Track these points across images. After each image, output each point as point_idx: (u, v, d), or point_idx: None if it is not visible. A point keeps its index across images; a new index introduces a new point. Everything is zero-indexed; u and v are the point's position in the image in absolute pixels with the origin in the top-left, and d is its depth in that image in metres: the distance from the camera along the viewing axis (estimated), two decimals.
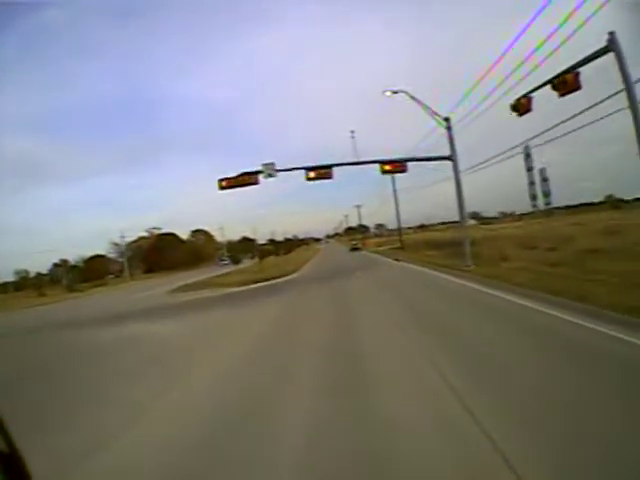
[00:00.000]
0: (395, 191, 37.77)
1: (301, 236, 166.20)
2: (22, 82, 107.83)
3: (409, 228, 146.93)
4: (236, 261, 30.41)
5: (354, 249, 56.87)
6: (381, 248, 50.65)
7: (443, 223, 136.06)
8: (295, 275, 23.95)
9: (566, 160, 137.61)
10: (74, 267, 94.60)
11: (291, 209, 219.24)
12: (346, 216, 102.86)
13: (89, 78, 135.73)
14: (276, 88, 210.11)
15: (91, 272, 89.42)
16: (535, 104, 11.91)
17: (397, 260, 26.03)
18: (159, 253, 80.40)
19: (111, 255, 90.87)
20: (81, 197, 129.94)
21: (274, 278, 22.47)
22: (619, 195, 79.72)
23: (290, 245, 74.86)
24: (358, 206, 71.90)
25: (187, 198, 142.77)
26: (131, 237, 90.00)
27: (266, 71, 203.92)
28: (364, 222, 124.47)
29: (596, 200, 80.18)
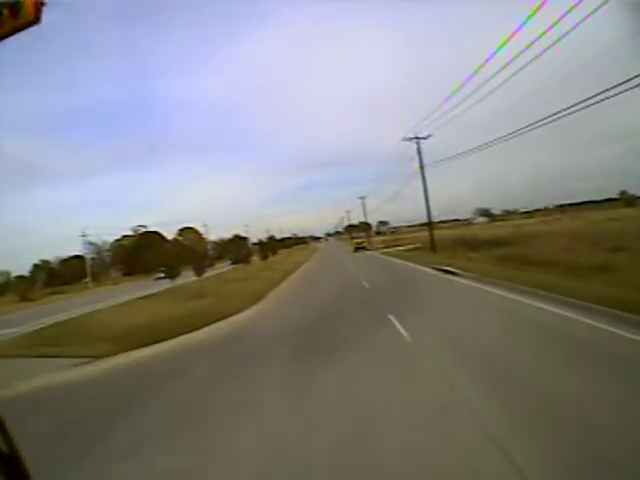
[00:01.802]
0: (422, 166, 24.95)
1: (301, 234, 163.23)
2: (22, 82, 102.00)
3: (410, 226, 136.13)
4: (173, 275, 17.59)
5: (359, 249, 44.80)
6: (394, 248, 37.91)
7: (443, 222, 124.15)
8: (251, 314, 10.95)
9: (558, 160, 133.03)
10: (51, 269, 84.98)
11: (292, 208, 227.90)
12: (348, 211, 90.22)
13: (88, 78, 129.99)
14: (275, 88, 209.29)
15: (67, 274, 78.65)
16: None
17: (450, 272, 13.78)
18: (140, 254, 68.19)
19: (90, 256, 79.57)
20: (81, 196, 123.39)
21: (203, 325, 9.75)
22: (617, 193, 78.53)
23: (274, 245, 58.99)
24: (362, 197, 58.61)
25: (187, 197, 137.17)
26: (116, 236, 79.67)
27: (265, 71, 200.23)
28: (358, 221, 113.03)
29: (598, 198, 78.35)
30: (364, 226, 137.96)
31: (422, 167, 25.44)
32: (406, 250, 32.75)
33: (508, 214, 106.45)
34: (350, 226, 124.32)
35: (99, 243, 72.46)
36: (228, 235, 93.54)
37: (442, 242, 28.29)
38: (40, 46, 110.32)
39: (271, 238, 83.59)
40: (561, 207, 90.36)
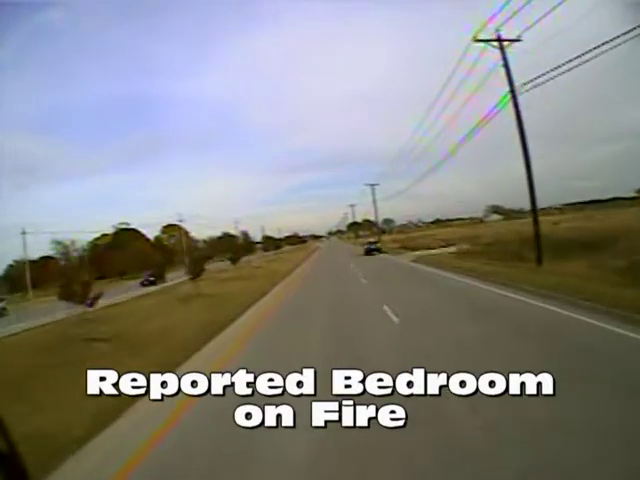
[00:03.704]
0: (512, 85, 13.84)
1: (302, 234, 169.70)
2: (23, 82, 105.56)
3: (419, 225, 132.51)
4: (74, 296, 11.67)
5: (372, 251, 34.74)
6: (422, 252, 29.07)
7: (452, 220, 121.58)
8: None
9: (561, 159, 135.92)
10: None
11: (293, 208, 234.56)
12: (352, 205, 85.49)
13: (87, 77, 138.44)
14: (276, 87, 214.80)
15: (35, 277, 74.57)
16: None
17: None
18: (112, 255, 63.76)
19: (57, 257, 75.29)
20: (81, 196, 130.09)
21: None
22: (619, 193, 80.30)
23: (238, 248, 40.96)
24: (372, 185, 49.34)
25: (187, 196, 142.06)
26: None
27: (265, 71, 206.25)
28: (362, 219, 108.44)
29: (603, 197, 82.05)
30: (369, 224, 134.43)
31: (512, 86, 14.03)
32: (453, 255, 22.43)
33: (514, 212, 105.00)
34: (354, 224, 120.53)
35: (66, 242, 67.06)
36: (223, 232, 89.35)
37: (502, 243, 20.43)
38: (42, 46, 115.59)
39: (246, 236, 70.33)
40: (571, 205, 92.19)
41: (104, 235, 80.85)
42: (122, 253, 60.08)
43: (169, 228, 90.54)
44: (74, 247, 72.83)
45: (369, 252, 34.68)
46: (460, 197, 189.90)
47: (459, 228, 73.33)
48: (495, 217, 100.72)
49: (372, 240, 40.77)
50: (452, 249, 27.10)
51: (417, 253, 28.84)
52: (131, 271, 58.49)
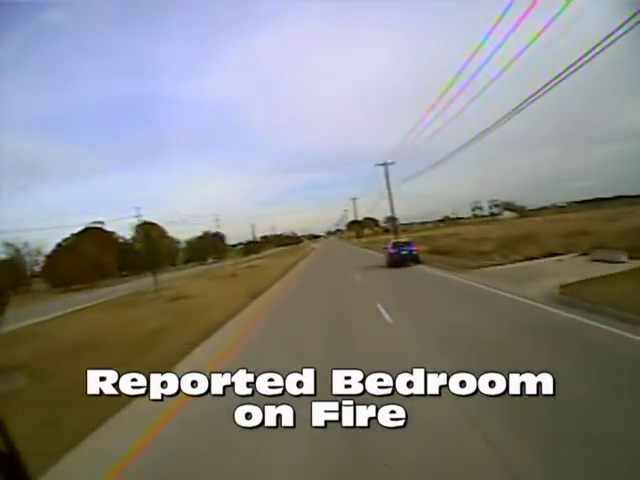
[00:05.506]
0: None
1: (300, 233, 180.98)
2: (23, 82, 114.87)
3: (424, 223, 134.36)
4: None
5: (402, 260, 22.66)
6: (507, 264, 16.76)
7: (461, 218, 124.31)
8: None
9: (562, 160, 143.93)
10: None
11: (292, 207, 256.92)
12: (354, 199, 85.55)
13: (89, 78, 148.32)
14: (276, 88, 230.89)
15: None
16: None
17: None
18: (74, 258, 62.95)
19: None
20: (81, 196, 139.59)
21: None
22: (621, 192, 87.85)
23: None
24: (386, 164, 42.52)
25: (187, 196, 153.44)
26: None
27: (266, 70, 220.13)
28: (362, 217, 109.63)
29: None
30: (371, 222, 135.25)
31: None
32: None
33: (518, 210, 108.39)
34: (354, 222, 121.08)
35: (18, 245, 64.44)
36: (232, 235, 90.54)
37: None
38: (42, 46, 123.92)
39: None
40: (577, 204, 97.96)
41: (74, 235, 79.38)
42: (73, 257, 59.25)
43: (144, 227, 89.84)
44: (27, 250, 70.93)
45: (397, 261, 22.87)
46: (460, 196, 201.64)
47: (475, 226, 73.77)
48: (508, 215, 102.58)
49: (401, 240, 26.54)
50: (567, 259, 16.30)
51: (517, 265, 16.66)
52: (85, 279, 58.36)
